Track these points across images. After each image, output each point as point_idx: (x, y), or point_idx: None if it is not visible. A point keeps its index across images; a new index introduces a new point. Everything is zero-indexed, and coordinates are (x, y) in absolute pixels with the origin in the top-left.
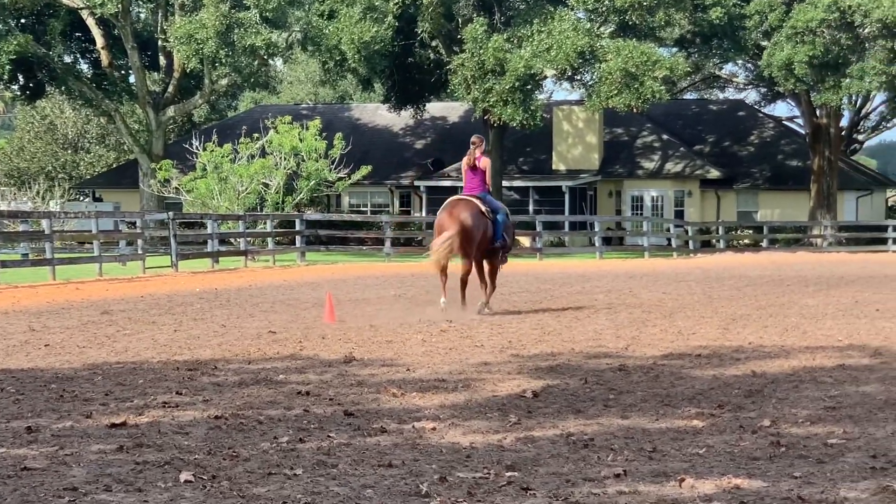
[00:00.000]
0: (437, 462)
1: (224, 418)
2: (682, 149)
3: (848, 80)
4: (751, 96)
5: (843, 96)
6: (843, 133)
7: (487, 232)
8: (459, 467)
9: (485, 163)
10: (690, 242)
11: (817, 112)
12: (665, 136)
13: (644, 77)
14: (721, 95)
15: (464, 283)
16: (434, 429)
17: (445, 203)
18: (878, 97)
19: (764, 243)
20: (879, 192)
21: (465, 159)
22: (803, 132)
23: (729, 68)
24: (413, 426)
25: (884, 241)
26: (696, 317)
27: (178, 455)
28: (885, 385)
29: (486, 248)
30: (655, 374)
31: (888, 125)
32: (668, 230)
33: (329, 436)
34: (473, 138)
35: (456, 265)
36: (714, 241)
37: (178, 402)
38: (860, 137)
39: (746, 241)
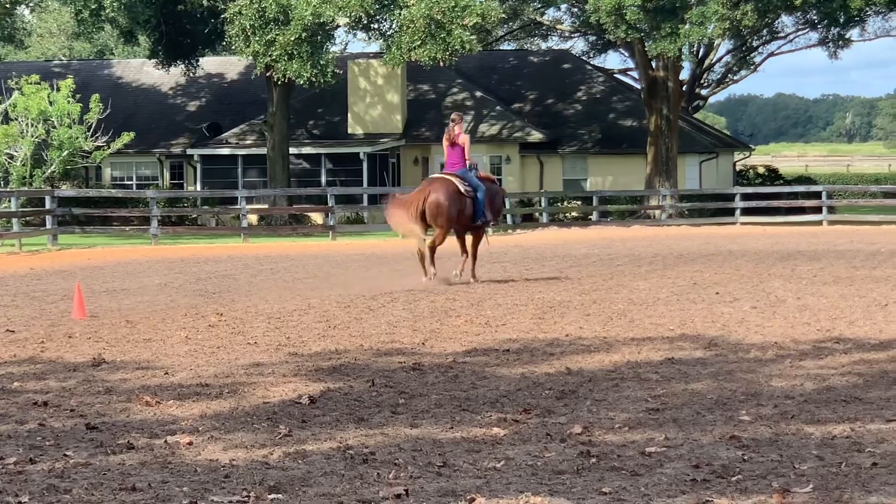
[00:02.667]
0: (190, 484)
1: None
2: (498, 108)
3: (687, 26)
4: (578, 46)
5: (681, 45)
6: (683, 88)
7: (465, 210)
8: (215, 490)
9: (463, 139)
10: (509, 216)
11: (653, 64)
12: (478, 94)
13: (452, 25)
14: (543, 46)
15: (431, 251)
16: (190, 443)
17: (423, 182)
18: (723, 46)
19: (594, 216)
20: (726, 156)
21: (444, 136)
22: (638, 87)
23: (551, 14)
24: (166, 441)
25: (731, 212)
26: (508, 304)
27: None
28: (717, 382)
29: (465, 225)
30: (454, 374)
31: (735, 78)
32: None
33: (65, 454)
34: (453, 115)
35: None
36: (537, 214)
37: None
38: (704, 92)
39: (574, 213)
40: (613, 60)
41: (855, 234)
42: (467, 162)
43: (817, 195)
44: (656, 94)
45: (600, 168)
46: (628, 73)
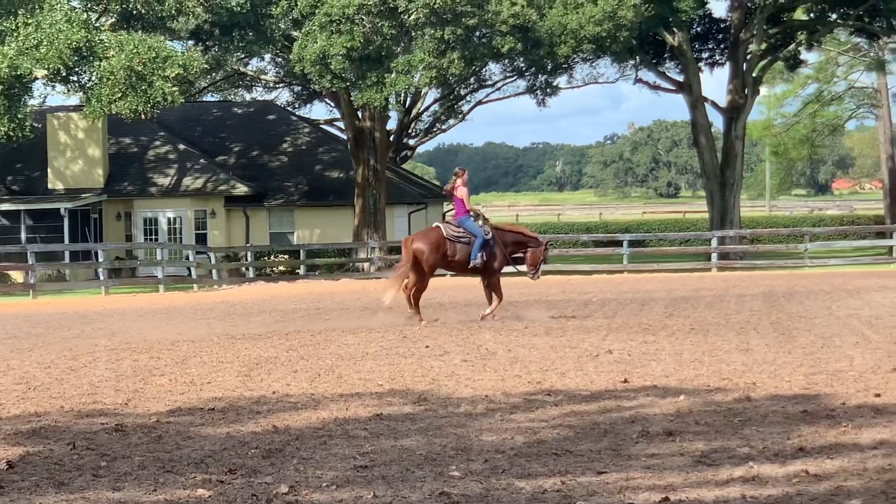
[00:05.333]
0: None
1: None
2: (202, 160)
3: (393, 75)
4: (283, 96)
5: (388, 94)
6: (391, 138)
7: (455, 254)
8: None
9: (460, 192)
10: (214, 272)
11: (360, 114)
12: (181, 147)
13: (153, 77)
14: (248, 97)
15: (410, 297)
16: None
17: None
18: (430, 94)
19: (301, 270)
20: (436, 206)
21: (446, 188)
22: (345, 137)
23: (255, 64)
24: None
25: None
26: (214, 362)
27: None
28: (426, 437)
29: (462, 268)
30: (158, 435)
31: (443, 127)
32: (188, 258)
33: None
34: (456, 169)
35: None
36: (243, 269)
37: None
38: (412, 142)
39: (282, 267)
40: (320, 111)
41: (566, 284)
42: (471, 212)
43: None
44: (363, 145)
45: (307, 221)
46: (335, 123)
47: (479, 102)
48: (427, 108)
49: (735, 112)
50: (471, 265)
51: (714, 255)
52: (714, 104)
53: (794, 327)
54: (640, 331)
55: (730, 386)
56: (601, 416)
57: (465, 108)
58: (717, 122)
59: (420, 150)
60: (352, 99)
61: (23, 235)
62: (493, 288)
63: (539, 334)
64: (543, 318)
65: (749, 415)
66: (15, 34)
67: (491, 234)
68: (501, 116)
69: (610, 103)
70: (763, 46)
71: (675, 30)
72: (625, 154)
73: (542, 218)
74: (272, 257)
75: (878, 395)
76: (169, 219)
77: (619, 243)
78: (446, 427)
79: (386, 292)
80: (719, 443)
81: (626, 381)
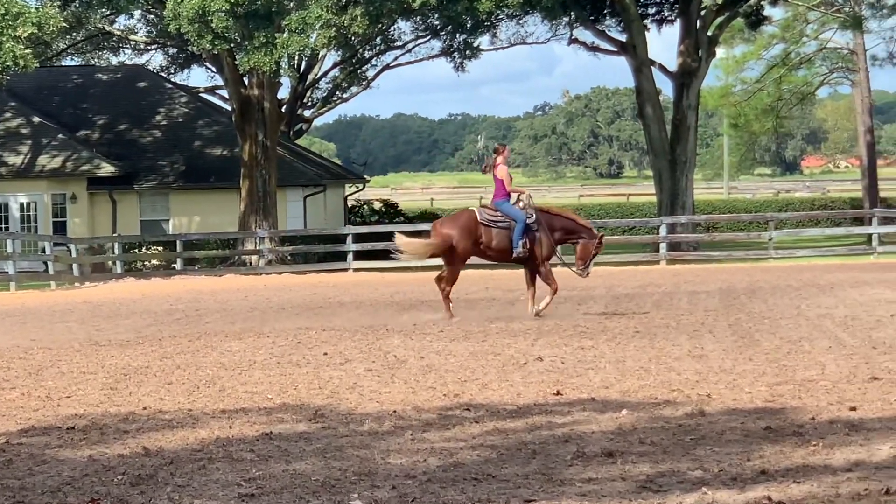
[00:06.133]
0: None
1: None
2: (60, 136)
3: (285, 34)
4: (156, 60)
5: (279, 57)
6: (282, 108)
7: (492, 241)
8: None
9: (501, 172)
10: (76, 267)
11: (246, 80)
12: (36, 119)
13: (2, 37)
14: (115, 60)
15: (443, 290)
16: None
17: None
18: (329, 58)
19: (178, 264)
20: (336, 189)
21: (483, 165)
22: (229, 108)
23: (123, 22)
24: None
25: (342, 257)
26: (75, 372)
27: None
28: (324, 460)
29: (502, 257)
30: (8, 459)
31: (345, 96)
32: (45, 251)
33: None
34: (496, 145)
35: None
36: (110, 263)
37: None
38: (308, 114)
39: (155, 261)
40: (199, 77)
41: (490, 280)
42: (513, 194)
43: None
44: (250, 117)
45: (185, 206)
46: (217, 91)
47: (387, 67)
48: (325, 74)
49: (687, 77)
50: (514, 255)
51: (663, 246)
52: (663, 68)
53: (757, 330)
54: (575, 334)
55: (680, 399)
56: (529, 435)
57: (371, 73)
58: (667, 89)
59: (318, 122)
60: (236, 63)
61: None
62: (543, 279)
63: (457, 339)
64: (463, 320)
65: (703, 432)
66: None
67: (535, 216)
68: (413, 83)
69: (541, 68)
70: (720, 0)
71: None
72: (558, 127)
73: (462, 202)
74: (144, 249)
75: (853, 409)
76: (21, 204)
77: None
78: (347, 448)
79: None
80: (668, 465)
81: (558, 393)
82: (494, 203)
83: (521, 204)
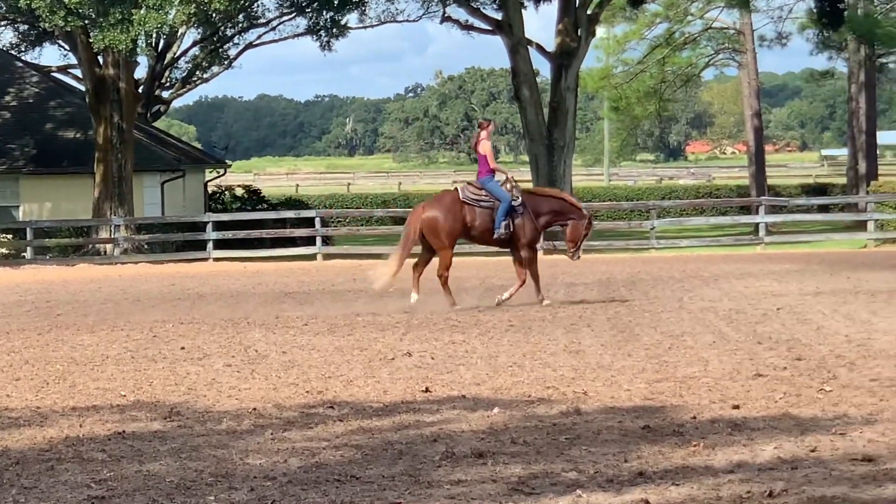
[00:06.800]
0: None
1: None
2: None
3: (143, 11)
4: (5, 38)
5: (136, 35)
6: (139, 89)
7: (475, 221)
8: None
9: (484, 147)
10: None
11: (100, 59)
12: None
13: None
14: None
15: (419, 279)
16: None
17: None
18: (189, 36)
19: (28, 253)
20: (196, 174)
21: (471, 142)
22: (83, 89)
23: None
24: None
25: (202, 245)
26: None
27: None
28: (179, 460)
29: (485, 240)
30: None
31: (205, 76)
32: None
33: None
34: (480, 119)
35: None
36: None
37: None
38: (166, 95)
39: (3, 250)
40: (51, 55)
41: (358, 271)
42: (499, 174)
43: (310, 222)
44: (105, 98)
45: (36, 192)
46: (70, 70)
47: (250, 45)
48: (185, 53)
49: (566, 58)
50: (495, 236)
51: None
52: (540, 48)
53: (637, 324)
54: (446, 328)
55: (556, 396)
56: (396, 434)
57: (233, 52)
58: (545, 70)
59: (177, 104)
60: (91, 41)
61: None
62: (525, 266)
63: (321, 332)
64: (328, 312)
65: (578, 431)
66: None
67: (520, 199)
68: (278, 63)
69: (412, 47)
70: None
71: None
72: (431, 110)
73: (329, 188)
74: None
75: (736, 407)
76: None
77: None
78: (204, 448)
79: (381, 273)
80: (541, 466)
81: (427, 390)
82: (480, 181)
83: (507, 186)
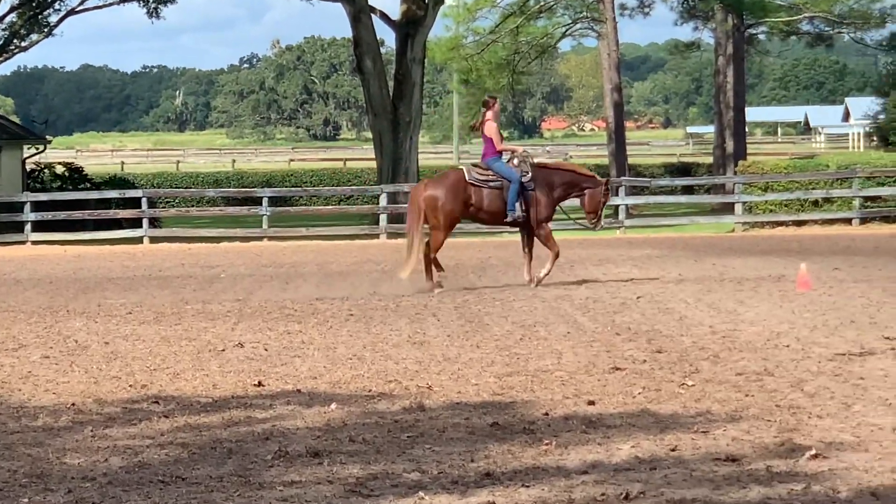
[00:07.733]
0: None
1: None
2: None
3: None
4: None
5: None
6: None
7: (482, 202)
8: None
9: (489, 129)
10: None
11: None
12: None
13: None
14: None
15: (428, 259)
16: None
17: None
18: (5, 1)
19: None
20: (13, 150)
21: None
22: None
23: None
24: None
25: (20, 227)
26: None
27: None
28: None
29: (495, 220)
30: None
31: (24, 45)
32: None
33: None
34: (486, 97)
35: None
36: None
37: None
38: None
39: None
40: None
41: (187, 255)
42: (506, 153)
43: (136, 203)
44: None
45: None
46: None
47: (72, 12)
48: (1, 20)
49: (412, 27)
50: (510, 218)
51: (383, 217)
52: (384, 16)
53: (486, 313)
54: (281, 317)
55: (398, 391)
56: (226, 431)
57: (53, 19)
58: (389, 39)
59: None
60: None
61: None
62: (543, 242)
63: (147, 322)
64: (154, 300)
65: (421, 429)
66: None
67: (530, 175)
68: (102, 31)
69: (247, 14)
70: None
71: None
72: (267, 82)
73: (157, 167)
74: None
75: (591, 403)
76: None
77: (257, 201)
78: (18, 446)
79: (405, 264)
80: (381, 466)
81: (260, 384)
82: (485, 162)
83: (514, 162)
